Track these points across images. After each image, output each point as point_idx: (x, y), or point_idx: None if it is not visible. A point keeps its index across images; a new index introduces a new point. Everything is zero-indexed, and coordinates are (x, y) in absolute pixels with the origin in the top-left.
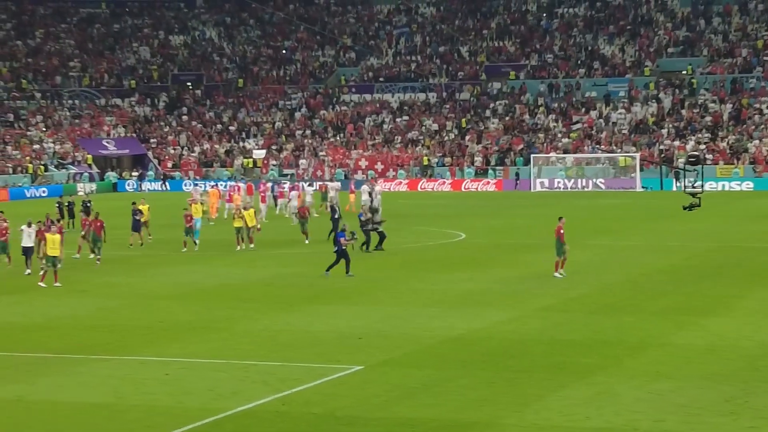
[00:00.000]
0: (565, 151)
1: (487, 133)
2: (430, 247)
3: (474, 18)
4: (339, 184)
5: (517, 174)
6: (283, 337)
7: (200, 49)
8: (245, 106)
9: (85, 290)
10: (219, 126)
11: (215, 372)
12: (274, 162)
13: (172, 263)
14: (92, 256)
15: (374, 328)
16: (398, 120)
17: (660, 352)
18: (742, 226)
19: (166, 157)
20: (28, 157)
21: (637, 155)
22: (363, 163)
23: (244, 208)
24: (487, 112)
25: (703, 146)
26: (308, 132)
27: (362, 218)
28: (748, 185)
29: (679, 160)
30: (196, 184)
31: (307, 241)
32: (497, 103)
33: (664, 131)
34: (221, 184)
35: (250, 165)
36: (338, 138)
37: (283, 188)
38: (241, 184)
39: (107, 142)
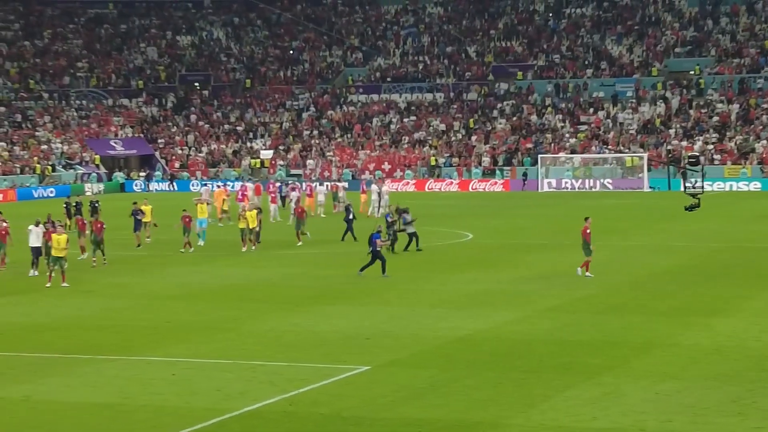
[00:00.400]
0: (573, 152)
1: (494, 133)
2: (437, 248)
3: (481, 18)
4: (346, 184)
5: (524, 174)
6: (290, 337)
7: (208, 50)
8: (253, 106)
9: (91, 290)
10: (226, 126)
11: (222, 372)
12: (282, 162)
13: (178, 263)
14: (94, 258)
15: (381, 329)
16: (405, 120)
17: (667, 352)
18: (750, 227)
19: (174, 158)
20: (35, 158)
21: (645, 155)
22: (386, 166)
23: (247, 209)
24: (495, 113)
25: (710, 146)
26: (315, 132)
27: (389, 219)
28: (755, 185)
29: (687, 161)
30: (204, 185)
31: (299, 243)
32: (504, 103)
33: (672, 131)
34: (229, 185)
35: (258, 165)
36: (346, 138)
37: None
38: (249, 185)
39: (115, 143)
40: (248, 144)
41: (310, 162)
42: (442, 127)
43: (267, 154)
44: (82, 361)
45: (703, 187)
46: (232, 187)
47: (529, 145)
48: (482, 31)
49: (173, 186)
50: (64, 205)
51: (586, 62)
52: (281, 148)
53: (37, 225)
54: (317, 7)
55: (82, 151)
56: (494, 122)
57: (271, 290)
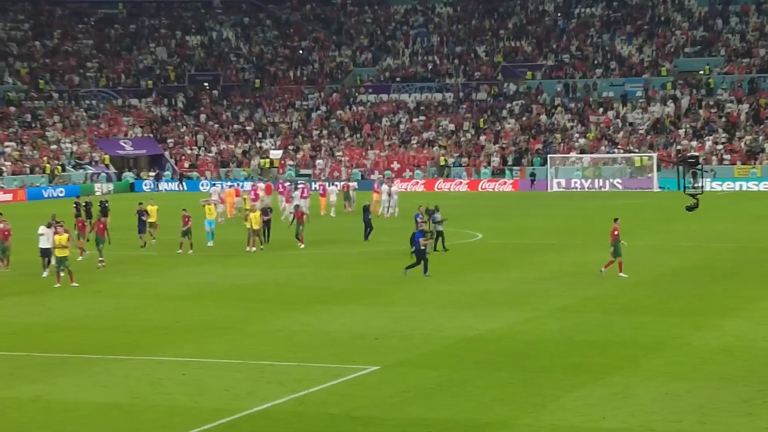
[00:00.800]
0: (582, 152)
1: (504, 133)
2: (448, 247)
3: (491, 18)
4: (356, 184)
5: (533, 174)
6: (299, 337)
7: (217, 50)
8: (262, 106)
9: (101, 291)
10: (236, 126)
11: (231, 372)
12: (291, 162)
13: (188, 264)
14: (101, 258)
15: (390, 329)
16: (415, 120)
17: (676, 352)
18: (759, 227)
19: (183, 158)
20: (45, 158)
21: (654, 155)
22: (395, 166)
23: (251, 210)
24: (504, 113)
25: (720, 146)
26: (325, 132)
27: (419, 219)
28: (765, 185)
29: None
30: (213, 184)
31: (302, 246)
32: (514, 103)
33: (682, 131)
34: (239, 185)
35: (267, 165)
36: (355, 138)
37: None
38: (261, 185)
39: (124, 143)
40: (257, 144)
41: (319, 162)
42: (452, 127)
43: (276, 154)
44: (92, 361)
45: (702, 188)
46: (242, 186)
47: (539, 146)
48: (491, 31)
49: (182, 186)
50: (74, 205)
51: (596, 62)
52: (290, 147)
53: (48, 226)
54: (326, 7)
55: (91, 151)
56: (503, 122)
57: (280, 290)
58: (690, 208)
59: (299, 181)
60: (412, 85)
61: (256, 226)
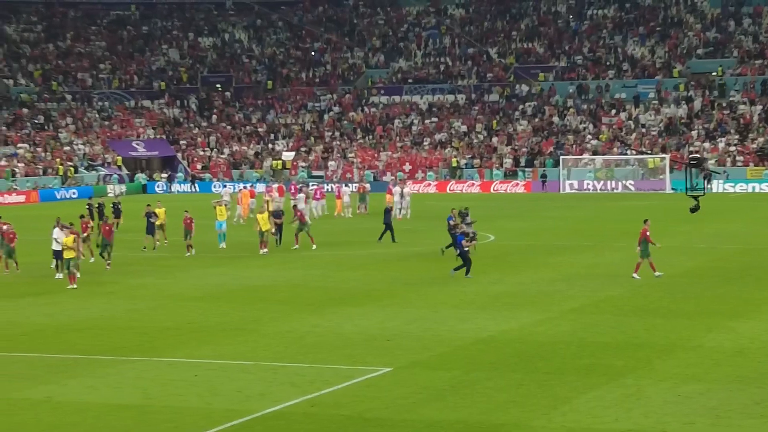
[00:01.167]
0: (595, 153)
1: (516, 134)
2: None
3: (503, 19)
4: (368, 185)
5: (544, 175)
6: (312, 338)
7: (230, 51)
8: (274, 107)
9: (113, 292)
10: (248, 128)
11: (244, 373)
12: (303, 164)
13: (201, 265)
14: (108, 261)
15: (403, 330)
16: (427, 121)
17: (690, 354)
18: None
19: (196, 159)
20: (58, 159)
21: (667, 156)
22: (406, 167)
23: (259, 212)
24: (516, 114)
25: (733, 148)
26: (337, 134)
27: (451, 222)
28: None
29: (709, 162)
30: (224, 186)
31: (296, 246)
32: (526, 104)
33: (694, 133)
34: (252, 186)
35: (279, 167)
36: (367, 139)
37: (319, 189)
38: (274, 186)
39: (137, 144)
40: (270, 145)
41: (331, 163)
42: (464, 128)
43: (289, 155)
44: (105, 362)
45: (704, 189)
46: (252, 187)
47: (551, 147)
48: (504, 32)
49: (195, 187)
50: (87, 207)
51: (608, 63)
52: (303, 149)
53: (61, 228)
54: (339, 8)
55: (104, 153)
56: (516, 124)
57: (293, 291)
58: (693, 210)
59: (311, 183)
60: (424, 86)
61: (263, 228)
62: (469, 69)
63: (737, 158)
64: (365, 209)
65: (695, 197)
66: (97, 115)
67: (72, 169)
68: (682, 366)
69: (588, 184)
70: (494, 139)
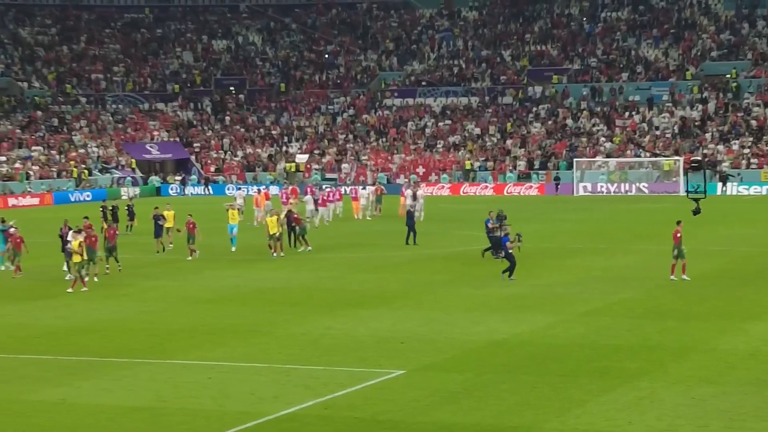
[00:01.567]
0: (608, 156)
1: (530, 137)
2: (472, 251)
3: (516, 22)
4: (383, 188)
5: (557, 178)
6: (325, 341)
7: (243, 54)
8: (288, 110)
9: (127, 294)
10: (262, 130)
11: (257, 376)
12: (317, 166)
13: (214, 267)
14: (107, 265)
15: (417, 333)
16: (440, 124)
17: (703, 357)
18: None
19: (209, 162)
20: (72, 162)
21: (681, 159)
22: (419, 170)
23: (268, 215)
24: (530, 117)
25: (747, 150)
26: (351, 136)
27: (489, 225)
28: None
29: (723, 165)
30: (239, 188)
31: (301, 250)
32: (540, 107)
33: (708, 135)
34: (266, 188)
35: (293, 169)
36: (381, 142)
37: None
38: (288, 189)
39: (151, 147)
40: (283, 148)
41: (345, 166)
42: (477, 131)
43: (302, 158)
44: (118, 365)
45: (705, 192)
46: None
47: (564, 150)
48: (517, 35)
49: (209, 190)
50: (101, 209)
51: (622, 66)
52: (316, 152)
53: (78, 231)
54: (352, 11)
55: (118, 155)
56: (529, 126)
57: (306, 294)
58: (695, 213)
59: (325, 186)
60: (437, 89)
61: (272, 231)
62: (483, 71)
63: (751, 161)
64: (379, 211)
65: (696, 200)
66: (111, 118)
67: (86, 171)
68: (695, 369)
69: (601, 186)
70: (508, 142)
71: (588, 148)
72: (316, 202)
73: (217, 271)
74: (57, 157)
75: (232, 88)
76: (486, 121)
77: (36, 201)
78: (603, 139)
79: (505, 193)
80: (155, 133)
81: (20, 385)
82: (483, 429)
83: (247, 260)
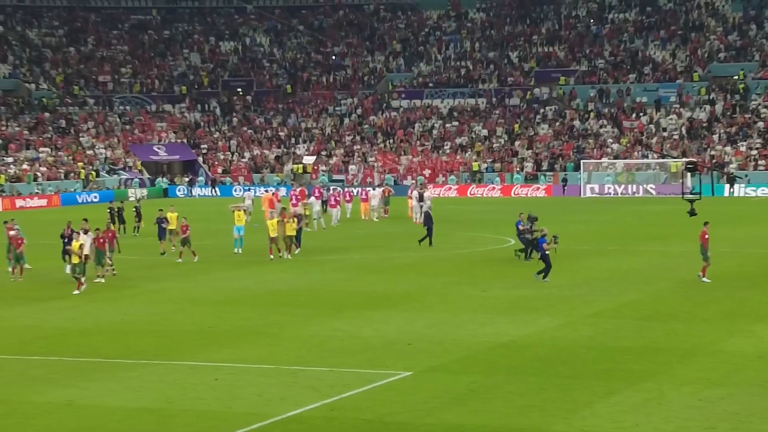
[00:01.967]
0: (616, 157)
1: (537, 138)
2: (479, 253)
3: (524, 23)
4: (392, 190)
5: (564, 180)
6: (332, 342)
7: (250, 55)
8: (295, 111)
9: (135, 295)
10: (269, 132)
11: (264, 377)
12: (324, 168)
13: (221, 269)
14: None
15: (424, 334)
16: (448, 125)
17: (711, 359)
18: None
19: (216, 163)
20: (80, 163)
21: (690, 161)
22: (427, 172)
23: (268, 218)
24: (537, 118)
25: (754, 152)
26: (358, 138)
27: (520, 227)
28: None
29: (731, 166)
30: (247, 189)
31: (297, 251)
32: (547, 108)
33: (716, 137)
34: (277, 190)
35: (300, 171)
36: (388, 144)
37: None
38: (305, 189)
39: (158, 148)
40: (291, 149)
41: (352, 167)
42: (484, 132)
43: (309, 159)
44: (125, 366)
45: (700, 194)
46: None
47: (572, 151)
48: (524, 36)
49: (216, 191)
50: (108, 211)
51: (629, 67)
52: (323, 153)
53: (86, 232)
54: (359, 12)
55: (125, 157)
56: (536, 128)
57: (314, 295)
58: (691, 214)
59: (332, 187)
60: (445, 90)
61: (272, 234)
62: (490, 73)
63: (759, 162)
64: (386, 213)
65: (690, 201)
66: (118, 119)
67: (93, 173)
68: (703, 370)
69: (609, 188)
70: (516, 143)
71: (595, 150)
72: (324, 203)
73: (225, 273)
74: (64, 158)
75: (239, 90)
76: (493, 123)
77: (44, 202)
78: (610, 140)
79: (512, 195)
80: (162, 134)
81: (28, 386)
82: (490, 431)
83: (255, 262)
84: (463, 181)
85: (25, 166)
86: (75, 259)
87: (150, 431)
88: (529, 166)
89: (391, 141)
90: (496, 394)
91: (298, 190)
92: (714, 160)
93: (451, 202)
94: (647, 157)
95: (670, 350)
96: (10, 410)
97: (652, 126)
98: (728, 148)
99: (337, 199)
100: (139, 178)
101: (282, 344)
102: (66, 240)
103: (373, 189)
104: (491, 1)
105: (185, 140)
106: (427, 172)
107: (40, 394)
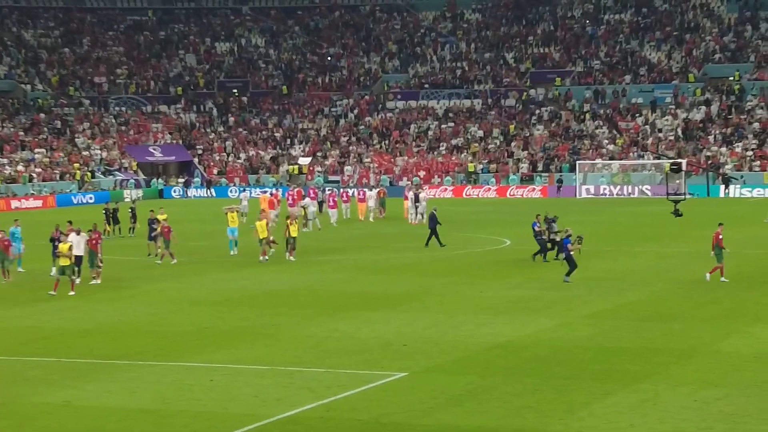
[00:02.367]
0: (611, 158)
1: (533, 139)
2: (475, 254)
3: (519, 24)
4: (386, 190)
5: (559, 180)
6: (329, 343)
7: (246, 56)
8: (291, 112)
9: (133, 296)
10: (264, 132)
11: (260, 378)
12: (320, 169)
13: (220, 270)
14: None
15: (421, 335)
16: (443, 126)
17: (708, 359)
18: None
19: (212, 164)
20: (75, 164)
21: (684, 161)
22: (423, 173)
23: (258, 219)
24: (533, 119)
25: (750, 153)
26: (353, 138)
27: (536, 227)
28: None
29: (726, 167)
30: (243, 190)
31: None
32: (543, 109)
33: (711, 137)
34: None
35: (296, 171)
36: (383, 144)
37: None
38: (301, 190)
39: (153, 149)
40: (286, 150)
41: (347, 168)
42: (480, 133)
43: (305, 160)
44: (123, 367)
45: (685, 194)
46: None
47: (567, 152)
48: (520, 37)
49: (211, 192)
50: (103, 212)
51: (625, 68)
52: (319, 154)
53: (78, 233)
54: (355, 13)
55: (121, 158)
56: (532, 129)
57: (312, 296)
58: (678, 214)
59: (327, 188)
60: (440, 91)
61: (261, 235)
62: (486, 74)
63: (754, 163)
64: (382, 214)
65: (675, 202)
66: (113, 120)
67: (89, 174)
68: (699, 371)
69: (604, 189)
70: (512, 144)
71: (591, 151)
72: (320, 203)
73: (223, 274)
74: (60, 159)
75: (235, 91)
76: (489, 124)
77: (39, 203)
78: (606, 141)
79: (507, 196)
80: (158, 135)
81: (26, 387)
82: (486, 431)
83: (252, 263)
84: (458, 182)
85: (20, 167)
86: (64, 261)
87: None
88: (524, 167)
89: (387, 142)
90: (493, 395)
91: (295, 191)
92: (710, 161)
93: (446, 203)
94: (643, 158)
95: (667, 351)
96: (9, 411)
97: (647, 127)
98: (724, 149)
99: (335, 199)
100: (135, 179)
101: (279, 345)
102: (55, 243)
103: (370, 190)
104: (487, 2)
105: (181, 141)
106: (422, 173)
107: (38, 395)
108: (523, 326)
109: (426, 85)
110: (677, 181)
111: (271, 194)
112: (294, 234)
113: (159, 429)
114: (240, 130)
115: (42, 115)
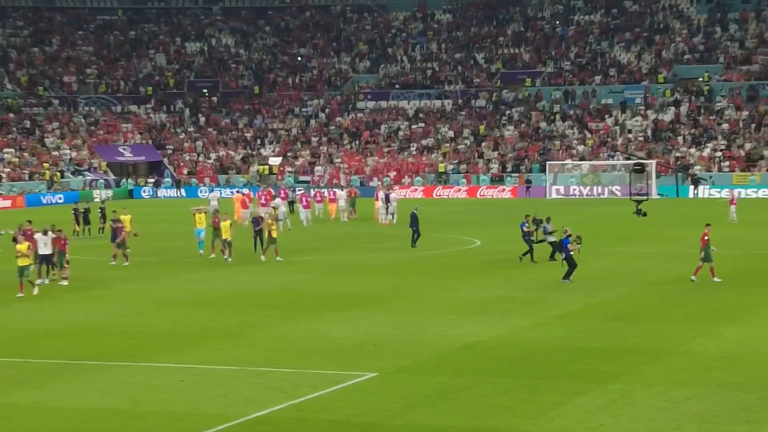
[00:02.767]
0: (581, 158)
1: (503, 140)
2: (447, 254)
3: (490, 25)
4: (359, 191)
5: (528, 181)
6: (300, 343)
7: (217, 56)
8: (261, 112)
9: (103, 296)
10: (235, 133)
11: (230, 378)
12: (290, 169)
13: (192, 270)
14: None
15: (392, 335)
16: (414, 127)
17: (678, 359)
18: (761, 234)
19: (182, 164)
20: (44, 164)
21: (653, 162)
22: (393, 173)
23: (222, 219)
24: (503, 119)
25: (719, 153)
26: (324, 139)
27: (525, 228)
28: (765, 192)
29: (695, 168)
30: (212, 190)
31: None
32: (513, 110)
33: (680, 138)
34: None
35: (266, 172)
36: (354, 145)
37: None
38: (271, 190)
39: (123, 149)
40: (257, 150)
41: (318, 168)
42: (451, 133)
43: (275, 160)
44: (92, 367)
45: (648, 194)
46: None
47: (538, 152)
48: (490, 38)
49: (181, 192)
50: (73, 212)
51: (595, 69)
52: (290, 154)
53: (44, 233)
54: (326, 14)
55: (90, 158)
56: (502, 129)
57: (282, 296)
58: (642, 214)
59: (298, 188)
60: (411, 91)
61: (224, 236)
62: (456, 74)
63: (723, 164)
64: (353, 214)
65: (637, 202)
66: (83, 120)
67: (58, 174)
68: (669, 371)
69: (574, 189)
70: (482, 145)
71: (561, 151)
72: (291, 204)
73: (196, 274)
74: (29, 159)
75: (205, 91)
76: (459, 124)
77: (8, 203)
78: (576, 142)
79: (478, 196)
80: (128, 135)
81: None
82: (457, 431)
83: (223, 263)
84: (429, 182)
85: None
86: (23, 261)
87: None
88: (495, 167)
89: (357, 142)
90: (464, 395)
91: (265, 191)
92: (679, 162)
93: (417, 204)
94: (613, 158)
95: (638, 351)
96: None
97: (617, 127)
98: (693, 150)
99: (308, 199)
100: (104, 179)
101: (250, 345)
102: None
103: (340, 190)
104: (457, 2)
105: (151, 141)
106: (393, 173)
107: (6, 396)
108: (496, 326)
109: (396, 86)
110: (642, 183)
111: (243, 194)
112: (275, 235)
113: (129, 429)
114: (210, 130)
115: (11, 115)
